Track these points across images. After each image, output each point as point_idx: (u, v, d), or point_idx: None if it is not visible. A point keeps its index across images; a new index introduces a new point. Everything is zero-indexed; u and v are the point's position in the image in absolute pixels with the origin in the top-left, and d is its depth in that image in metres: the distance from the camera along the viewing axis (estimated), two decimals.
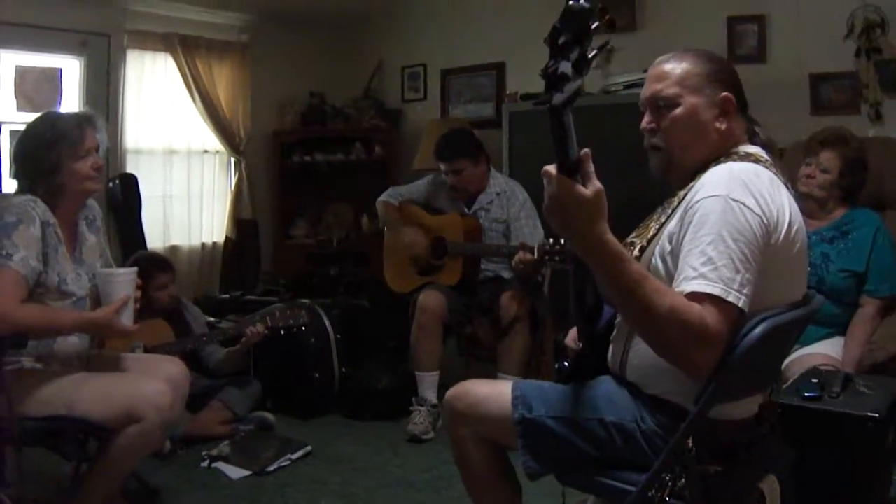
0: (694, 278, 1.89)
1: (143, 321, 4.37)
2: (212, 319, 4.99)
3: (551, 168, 1.81)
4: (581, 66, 1.67)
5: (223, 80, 6.56)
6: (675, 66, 2.28)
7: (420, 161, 6.36)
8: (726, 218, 1.92)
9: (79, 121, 3.10)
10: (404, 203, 5.14)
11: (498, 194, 4.94)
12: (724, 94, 2.21)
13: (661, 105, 2.26)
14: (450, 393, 2.54)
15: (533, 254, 4.22)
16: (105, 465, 2.90)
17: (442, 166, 4.94)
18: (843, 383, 2.86)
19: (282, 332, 4.46)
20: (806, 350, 3.48)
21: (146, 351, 4.06)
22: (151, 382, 2.95)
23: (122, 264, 3.97)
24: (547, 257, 4.16)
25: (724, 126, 2.21)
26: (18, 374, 2.89)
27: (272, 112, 7.21)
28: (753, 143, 2.25)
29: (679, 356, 1.90)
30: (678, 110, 2.24)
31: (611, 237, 1.85)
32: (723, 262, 1.88)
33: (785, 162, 2.37)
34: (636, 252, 2.18)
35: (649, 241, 2.18)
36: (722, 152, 2.20)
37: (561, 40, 1.66)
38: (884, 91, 4.83)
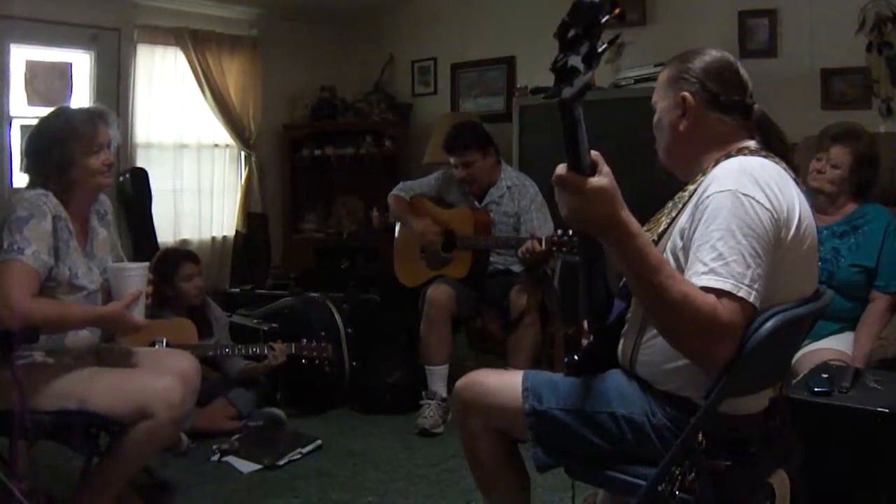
0: (704, 273, 1.89)
1: (170, 318, 4.42)
2: (224, 313, 4.98)
3: (562, 170, 1.81)
4: (591, 60, 1.66)
5: (233, 75, 6.58)
6: (661, 73, 2.35)
7: (430, 155, 6.37)
8: (736, 213, 1.92)
9: (91, 116, 3.11)
10: (415, 197, 5.14)
11: (509, 188, 4.94)
12: (682, 93, 2.22)
13: (653, 113, 2.34)
14: (459, 383, 2.55)
15: (541, 244, 4.22)
16: (116, 460, 2.91)
17: (451, 159, 4.94)
18: (853, 378, 2.87)
19: (303, 361, 4.49)
20: (816, 345, 3.48)
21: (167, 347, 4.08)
22: (162, 378, 2.95)
23: (133, 259, 3.99)
24: (555, 248, 4.15)
25: (684, 126, 2.23)
26: (30, 369, 2.90)
27: (282, 106, 7.24)
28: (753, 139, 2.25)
29: (692, 347, 1.90)
30: (655, 116, 2.33)
31: (631, 220, 1.85)
32: (733, 258, 1.88)
33: (795, 157, 2.37)
34: None
35: (660, 237, 2.18)
36: (709, 150, 2.22)
37: (570, 34, 1.66)
38: (895, 86, 4.82)
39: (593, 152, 1.81)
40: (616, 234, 1.84)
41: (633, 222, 1.85)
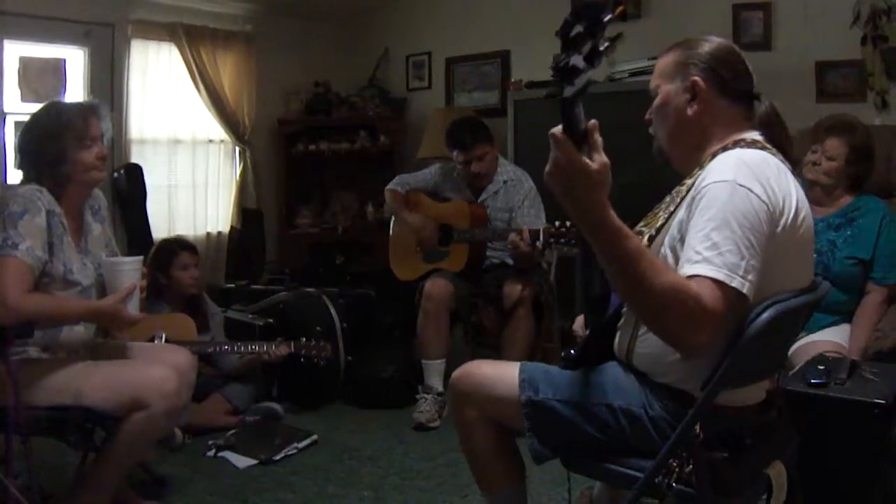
0: (698, 262, 1.89)
1: (167, 312, 4.42)
2: (219, 309, 4.99)
3: (559, 131, 1.80)
4: (593, 58, 1.66)
5: (228, 70, 6.57)
6: (663, 58, 2.33)
7: (425, 149, 6.36)
8: (733, 203, 1.92)
9: (83, 110, 3.10)
10: (411, 191, 5.14)
11: (505, 182, 4.94)
12: (693, 78, 2.21)
13: (652, 97, 2.33)
14: (456, 373, 2.54)
15: (538, 237, 4.20)
16: (112, 452, 2.91)
17: (461, 156, 4.90)
18: (849, 370, 2.86)
19: (301, 360, 4.51)
20: (812, 337, 3.48)
21: (166, 342, 4.07)
22: (157, 369, 2.95)
23: (127, 254, 3.99)
24: (552, 240, 4.14)
25: (693, 110, 2.22)
26: (25, 364, 2.89)
27: (277, 101, 7.22)
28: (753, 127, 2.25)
29: (670, 334, 1.89)
30: (657, 100, 2.31)
31: (611, 211, 1.84)
32: (727, 248, 1.88)
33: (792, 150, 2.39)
34: (645, 241, 2.17)
35: (658, 231, 2.18)
36: (711, 137, 2.22)
37: (573, 33, 1.65)
38: (890, 79, 4.82)
39: (591, 122, 1.81)
40: (592, 216, 1.84)
41: (612, 214, 1.84)
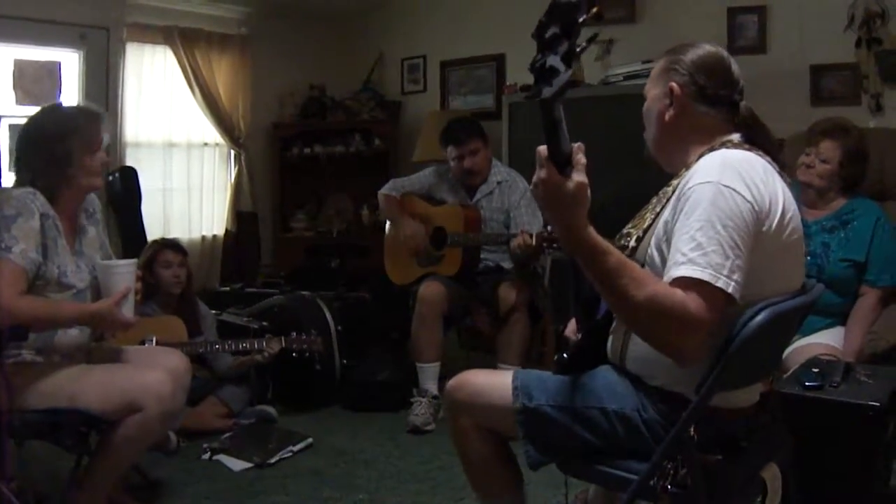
0: (682, 263, 1.90)
1: (158, 314, 4.41)
2: (213, 312, 4.98)
3: (544, 151, 1.83)
4: (570, 59, 1.67)
5: (223, 73, 6.58)
6: (656, 63, 2.35)
7: (420, 153, 6.37)
8: (717, 204, 1.93)
9: (91, 116, 3.11)
10: (405, 195, 5.14)
11: (499, 183, 4.95)
12: (671, 83, 2.22)
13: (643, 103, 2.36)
14: (450, 383, 2.54)
15: (532, 238, 4.21)
16: (106, 456, 2.90)
17: (454, 152, 4.92)
18: (843, 373, 2.87)
19: (293, 355, 4.51)
20: (806, 340, 3.48)
21: (157, 345, 4.06)
22: (152, 372, 2.95)
23: (121, 258, 3.98)
24: (545, 244, 4.15)
25: (669, 115, 2.24)
26: (19, 367, 2.88)
27: (272, 104, 7.23)
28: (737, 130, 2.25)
29: (661, 343, 1.91)
30: (645, 105, 2.34)
31: (589, 230, 1.88)
32: (712, 248, 1.89)
33: (785, 153, 2.38)
34: (633, 242, 2.20)
35: (645, 232, 2.19)
36: (693, 141, 2.23)
37: (548, 34, 1.66)
38: (884, 82, 4.82)
39: (576, 145, 1.83)
40: (570, 234, 1.89)
41: (591, 232, 1.89)
